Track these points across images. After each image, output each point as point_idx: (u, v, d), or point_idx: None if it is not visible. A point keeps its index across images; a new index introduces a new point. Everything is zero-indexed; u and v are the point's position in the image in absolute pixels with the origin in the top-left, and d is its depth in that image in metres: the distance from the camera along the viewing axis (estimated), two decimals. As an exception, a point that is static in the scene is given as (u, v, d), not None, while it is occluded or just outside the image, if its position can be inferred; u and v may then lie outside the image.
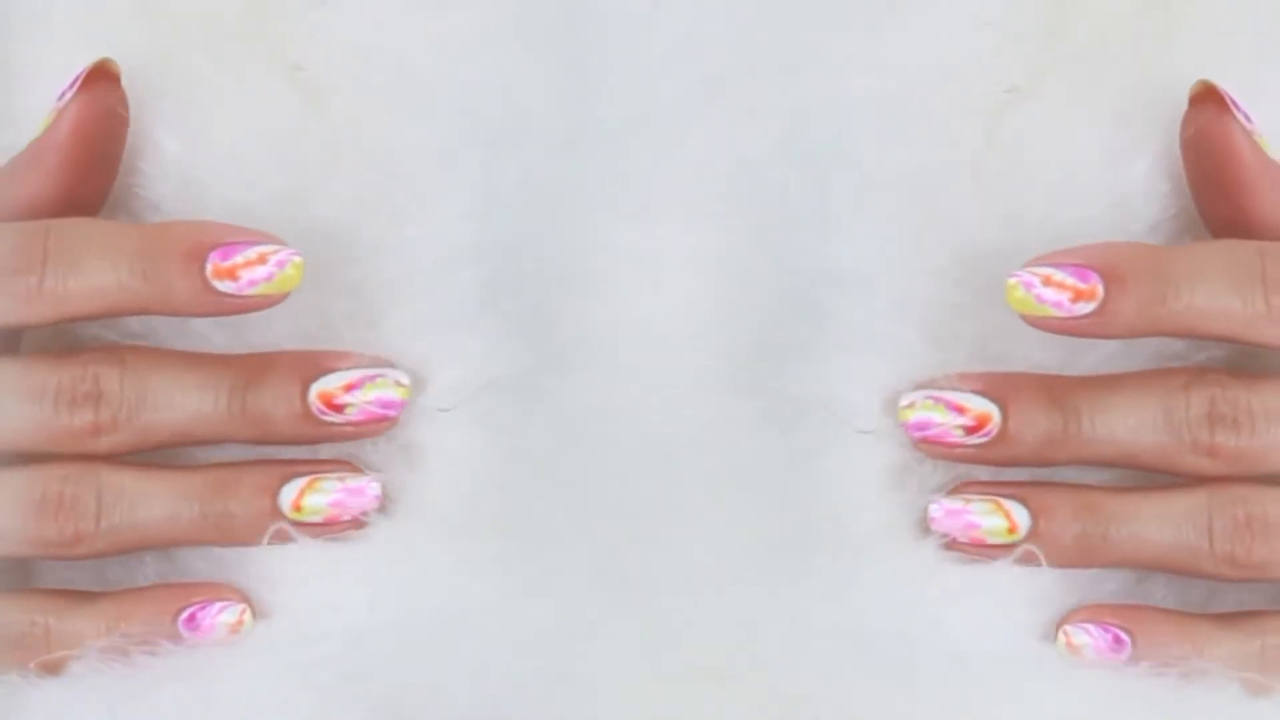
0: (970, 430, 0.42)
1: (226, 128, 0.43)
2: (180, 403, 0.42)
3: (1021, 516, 0.42)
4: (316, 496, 0.42)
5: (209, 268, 0.41)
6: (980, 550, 0.42)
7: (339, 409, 0.42)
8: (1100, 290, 0.40)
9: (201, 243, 0.41)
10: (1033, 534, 0.42)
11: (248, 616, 0.42)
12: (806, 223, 0.43)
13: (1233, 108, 0.42)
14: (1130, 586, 0.43)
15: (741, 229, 0.42)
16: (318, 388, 0.42)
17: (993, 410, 0.42)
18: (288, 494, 0.42)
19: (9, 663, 0.42)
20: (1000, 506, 0.42)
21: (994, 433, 0.42)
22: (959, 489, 0.42)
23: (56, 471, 0.42)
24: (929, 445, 0.42)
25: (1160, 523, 0.42)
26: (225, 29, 0.43)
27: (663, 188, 0.42)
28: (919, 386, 0.42)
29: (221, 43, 0.43)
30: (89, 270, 0.41)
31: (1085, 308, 0.40)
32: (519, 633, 0.42)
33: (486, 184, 0.43)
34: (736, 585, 0.42)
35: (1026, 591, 0.42)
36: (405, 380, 0.42)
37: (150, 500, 0.42)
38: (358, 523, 0.42)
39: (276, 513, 0.42)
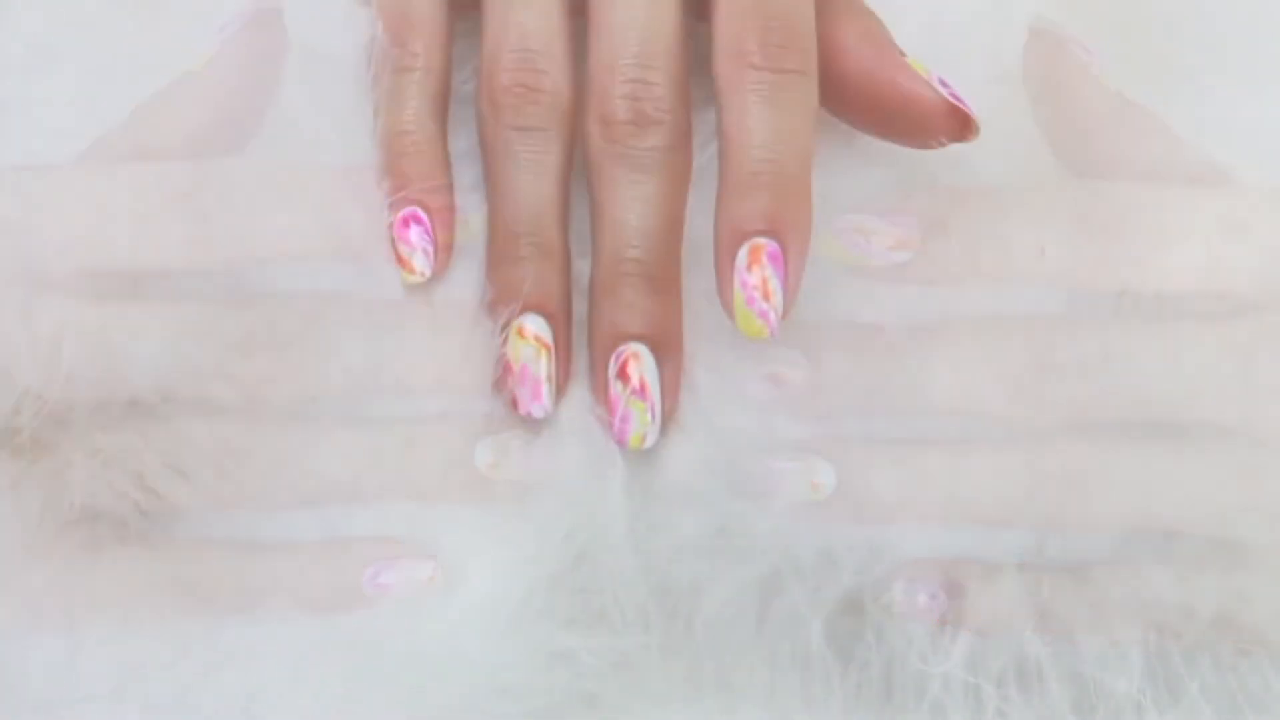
0: (780, 381, 0.40)
1: None
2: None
3: (826, 475, 0.40)
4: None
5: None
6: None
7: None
8: (917, 238, 0.40)
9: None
10: (842, 491, 0.40)
11: (440, 574, 0.40)
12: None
13: (1070, 41, 0.40)
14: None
15: None
16: None
17: (802, 361, 0.40)
18: (483, 454, 0.40)
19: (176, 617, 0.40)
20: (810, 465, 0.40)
21: (804, 385, 0.40)
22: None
23: (232, 427, 0.39)
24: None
25: (978, 480, 0.40)
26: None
27: None
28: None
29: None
30: (266, 215, 0.39)
31: (903, 256, 0.40)
32: (533, 629, 0.41)
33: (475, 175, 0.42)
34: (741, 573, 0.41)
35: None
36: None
37: (330, 456, 0.40)
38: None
39: (470, 470, 0.40)
